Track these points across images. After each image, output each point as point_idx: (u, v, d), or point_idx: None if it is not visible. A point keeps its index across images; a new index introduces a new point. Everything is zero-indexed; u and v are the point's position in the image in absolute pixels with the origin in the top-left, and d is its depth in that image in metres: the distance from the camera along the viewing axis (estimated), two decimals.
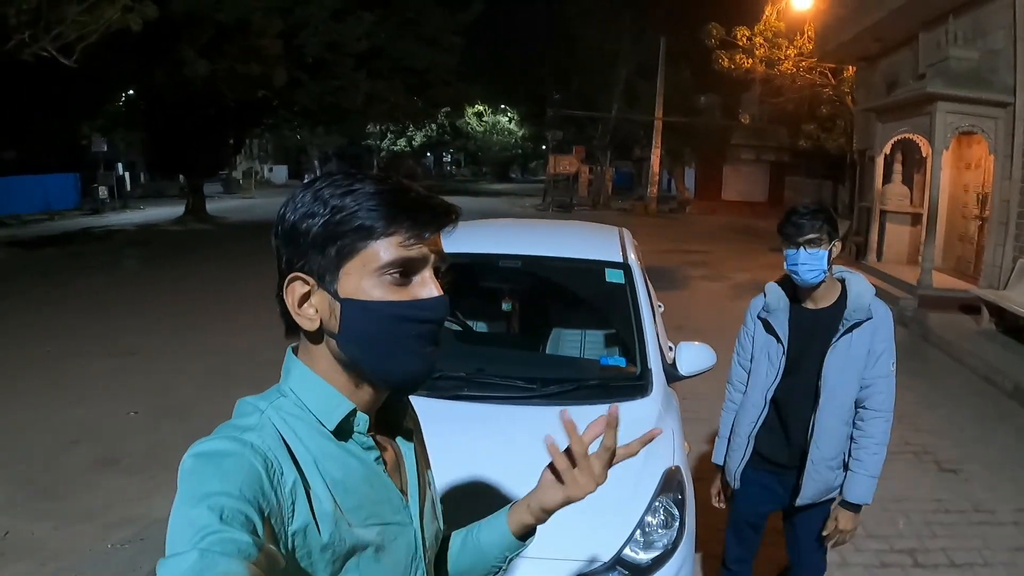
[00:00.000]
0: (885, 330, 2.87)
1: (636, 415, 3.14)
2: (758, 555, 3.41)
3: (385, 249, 1.04)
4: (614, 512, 2.66)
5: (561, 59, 37.88)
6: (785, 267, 2.86)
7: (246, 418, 1.05)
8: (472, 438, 2.96)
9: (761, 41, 22.34)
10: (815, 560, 3.20)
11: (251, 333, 9.00)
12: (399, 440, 1.27)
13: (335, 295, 1.06)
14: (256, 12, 19.57)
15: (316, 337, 1.10)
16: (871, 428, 2.89)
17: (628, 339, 3.87)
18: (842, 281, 2.95)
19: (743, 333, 3.21)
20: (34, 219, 26.62)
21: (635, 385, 3.45)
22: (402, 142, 63.41)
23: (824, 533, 3.04)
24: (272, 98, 25.88)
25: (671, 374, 3.65)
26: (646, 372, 3.51)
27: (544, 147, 50.18)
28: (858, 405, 2.91)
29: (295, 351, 1.15)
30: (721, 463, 3.33)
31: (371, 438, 1.15)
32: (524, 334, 4.63)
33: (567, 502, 1.31)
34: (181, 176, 33.01)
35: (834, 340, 2.86)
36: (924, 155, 12.80)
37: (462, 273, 4.28)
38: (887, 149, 13.93)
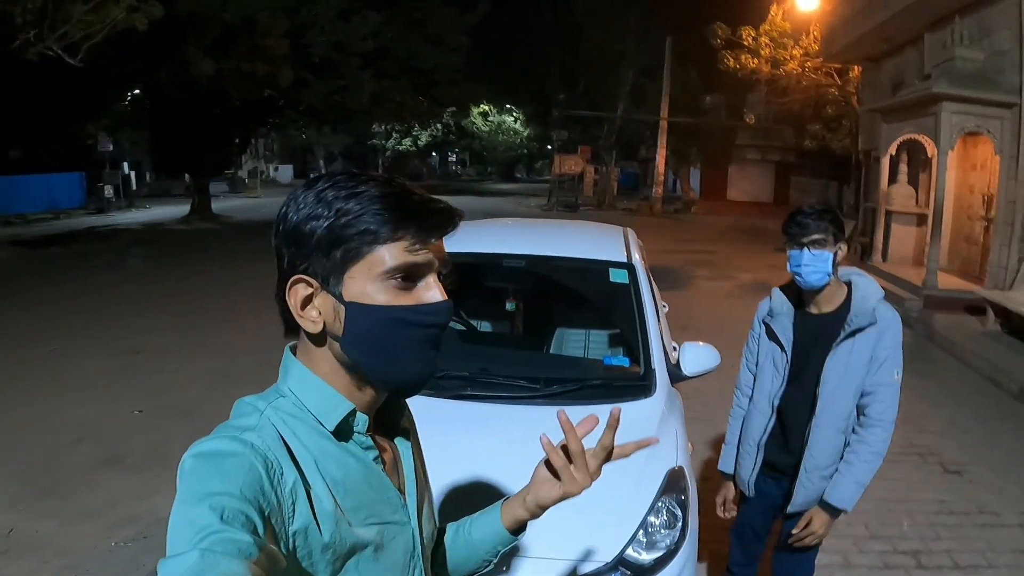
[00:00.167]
0: (890, 337, 2.75)
1: (639, 415, 3.14)
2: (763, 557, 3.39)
3: (391, 254, 1.05)
4: (617, 512, 2.66)
5: (567, 59, 37.81)
6: (788, 268, 2.78)
7: (245, 418, 1.05)
8: (475, 438, 2.97)
9: (767, 41, 22.30)
10: (801, 572, 3.09)
11: (256, 332, 9.01)
12: (397, 440, 1.27)
13: (339, 298, 1.05)
14: (262, 12, 19.62)
15: (319, 339, 1.10)
16: (868, 436, 2.77)
17: (632, 339, 3.87)
18: (849, 284, 2.86)
19: (751, 337, 3.15)
20: (39, 218, 26.70)
21: (639, 385, 3.44)
22: (407, 142, 63.30)
23: (792, 531, 2.92)
24: (278, 98, 25.93)
25: (675, 374, 3.64)
26: (650, 372, 3.51)
27: (549, 147, 50.20)
28: (859, 412, 2.81)
29: (294, 351, 1.15)
30: (728, 471, 3.24)
31: (370, 438, 1.15)
32: (528, 334, 4.62)
33: (563, 498, 1.33)
34: (187, 175, 33.06)
35: (834, 345, 2.77)
36: (930, 156, 12.78)
37: (466, 273, 4.29)
38: (892, 149, 13.91)
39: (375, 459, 1.16)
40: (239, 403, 1.10)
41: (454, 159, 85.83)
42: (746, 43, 22.60)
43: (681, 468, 2.93)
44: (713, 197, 38.88)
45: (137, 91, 27.25)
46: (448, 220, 1.10)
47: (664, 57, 31.22)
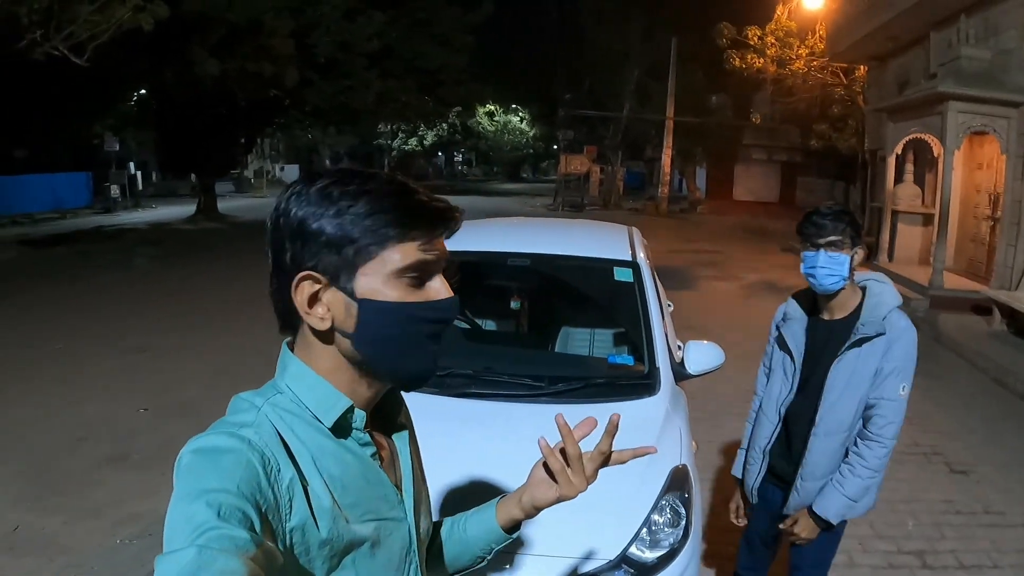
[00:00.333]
0: (900, 349, 2.61)
1: (644, 413, 3.14)
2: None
3: (404, 253, 1.07)
4: (620, 510, 2.66)
5: (572, 59, 37.78)
6: (802, 270, 2.67)
7: (242, 414, 1.05)
8: (480, 436, 2.97)
9: (772, 41, 22.32)
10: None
11: (260, 330, 9.00)
12: (394, 436, 1.28)
13: (352, 295, 1.06)
14: (267, 12, 19.62)
15: (325, 336, 1.09)
16: (864, 451, 2.65)
17: (636, 337, 3.86)
18: (864, 290, 2.75)
19: (768, 342, 3.07)
20: (46, 218, 26.75)
21: (643, 384, 3.44)
22: (413, 142, 63.30)
23: (780, 526, 2.89)
24: (283, 98, 25.91)
25: (679, 373, 3.64)
26: (654, 371, 3.51)
27: (555, 147, 50.14)
28: (863, 426, 2.69)
29: (291, 346, 1.15)
30: (740, 476, 3.19)
31: (367, 434, 1.15)
32: (533, 332, 4.63)
33: (559, 500, 1.35)
34: (192, 175, 33.12)
35: (840, 352, 2.66)
36: (936, 155, 12.75)
37: (471, 271, 4.30)
38: (899, 149, 13.87)
39: (372, 455, 1.16)
40: (236, 399, 1.10)
41: (460, 159, 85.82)
42: (752, 42, 22.61)
43: (685, 467, 2.92)
44: (719, 197, 38.91)
45: (143, 91, 27.26)
46: (453, 218, 1.13)
47: (670, 56, 31.20)
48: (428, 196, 1.11)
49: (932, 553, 4.48)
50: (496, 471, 2.53)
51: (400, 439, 1.28)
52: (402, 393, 1.33)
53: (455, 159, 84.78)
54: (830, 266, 2.59)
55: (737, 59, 23.04)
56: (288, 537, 0.99)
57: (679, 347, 3.88)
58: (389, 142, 62.54)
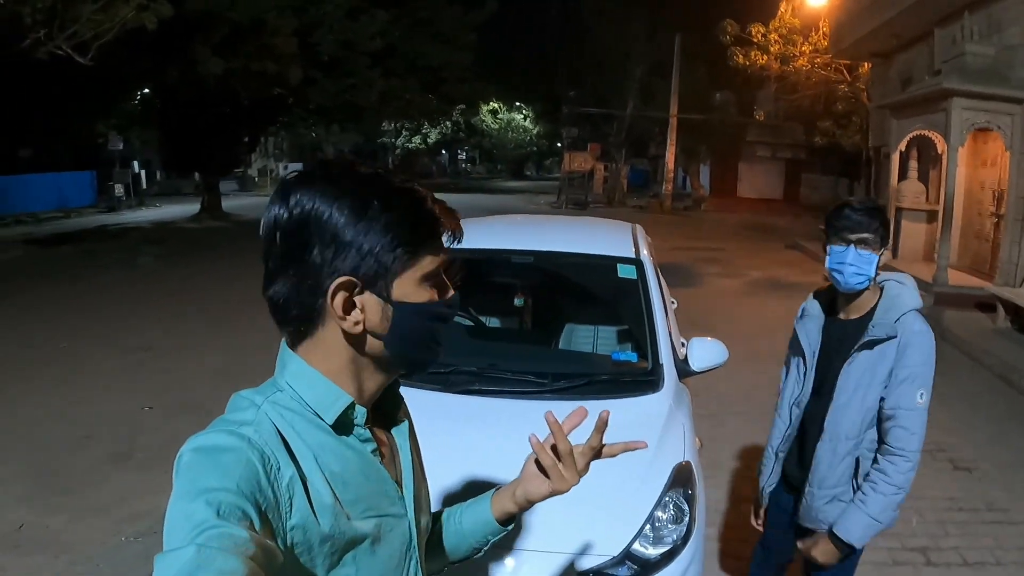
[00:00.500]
0: (915, 353, 2.46)
1: (647, 410, 3.15)
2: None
3: (433, 259, 1.13)
4: (623, 506, 2.66)
5: (576, 57, 37.76)
6: (827, 265, 2.52)
7: (241, 412, 1.05)
8: (484, 432, 2.97)
9: (776, 38, 22.31)
10: None
11: (265, 329, 8.99)
12: (394, 432, 1.28)
13: (388, 299, 1.09)
14: (270, 11, 19.63)
15: (355, 339, 1.10)
16: (887, 466, 2.50)
17: (640, 334, 3.86)
18: (881, 290, 2.62)
19: (790, 342, 2.97)
20: (50, 217, 26.81)
21: (647, 380, 3.44)
22: (417, 140, 63.36)
23: (799, 545, 2.79)
24: (287, 96, 25.96)
25: (683, 370, 3.64)
26: (657, 367, 3.50)
27: (559, 144, 50.12)
28: (881, 439, 2.55)
29: (290, 344, 1.14)
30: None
31: (368, 431, 1.16)
32: (536, 329, 4.62)
33: (551, 495, 1.37)
34: (196, 174, 33.15)
35: (852, 352, 2.54)
36: (940, 152, 12.71)
37: (475, 269, 4.29)
38: (903, 146, 13.84)
39: (373, 452, 1.17)
40: (235, 397, 1.10)
41: (464, 157, 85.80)
42: (755, 40, 22.59)
43: (688, 463, 2.92)
44: (723, 194, 38.88)
45: (147, 90, 27.34)
46: (459, 223, 1.19)
47: (673, 54, 31.17)
48: (442, 202, 1.17)
49: (936, 550, 4.48)
50: (500, 468, 2.52)
51: (400, 435, 1.28)
52: (405, 388, 1.34)
53: (459, 157, 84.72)
54: (859, 264, 2.46)
55: (741, 56, 23.04)
56: (288, 536, 0.99)
57: (683, 344, 3.88)
58: (393, 140, 62.61)
